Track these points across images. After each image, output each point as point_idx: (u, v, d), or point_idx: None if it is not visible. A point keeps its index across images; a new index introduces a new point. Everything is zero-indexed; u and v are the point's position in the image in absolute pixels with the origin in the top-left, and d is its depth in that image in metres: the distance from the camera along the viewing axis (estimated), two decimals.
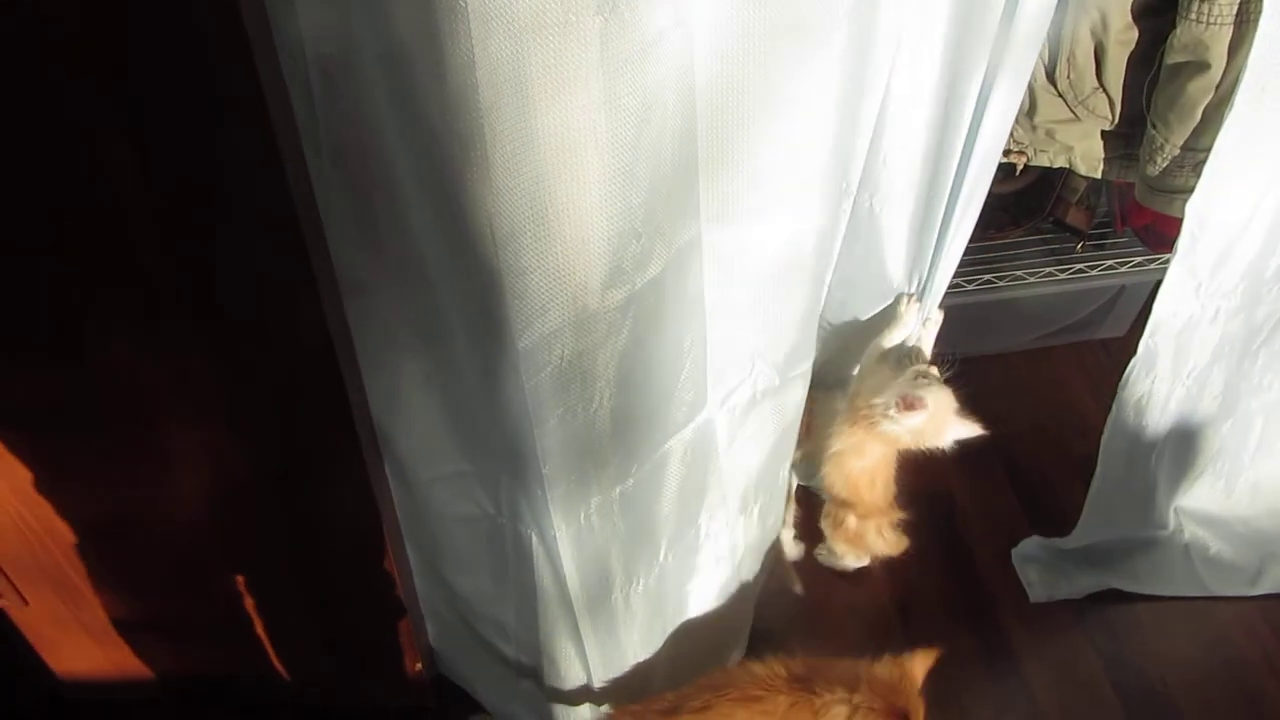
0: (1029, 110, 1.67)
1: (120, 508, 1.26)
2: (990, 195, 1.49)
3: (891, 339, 1.58)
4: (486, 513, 1.25)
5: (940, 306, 1.61)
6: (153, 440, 1.16)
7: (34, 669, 1.52)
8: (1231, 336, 1.54)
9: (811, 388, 1.41)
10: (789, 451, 1.46)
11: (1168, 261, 1.45)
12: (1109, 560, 1.83)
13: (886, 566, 1.81)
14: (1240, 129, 1.29)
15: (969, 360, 2.22)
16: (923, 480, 1.98)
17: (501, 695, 1.59)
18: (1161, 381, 1.57)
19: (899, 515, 1.69)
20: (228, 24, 0.79)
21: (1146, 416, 1.62)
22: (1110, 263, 2.08)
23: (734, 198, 1.03)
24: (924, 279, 1.54)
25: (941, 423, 1.51)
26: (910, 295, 1.56)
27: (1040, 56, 1.60)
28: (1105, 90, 1.60)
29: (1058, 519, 1.83)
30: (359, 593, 1.42)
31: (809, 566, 1.81)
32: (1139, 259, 2.08)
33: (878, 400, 1.50)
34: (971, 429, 1.52)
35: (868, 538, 1.71)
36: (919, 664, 1.29)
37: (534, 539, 1.20)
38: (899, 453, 1.61)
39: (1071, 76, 1.60)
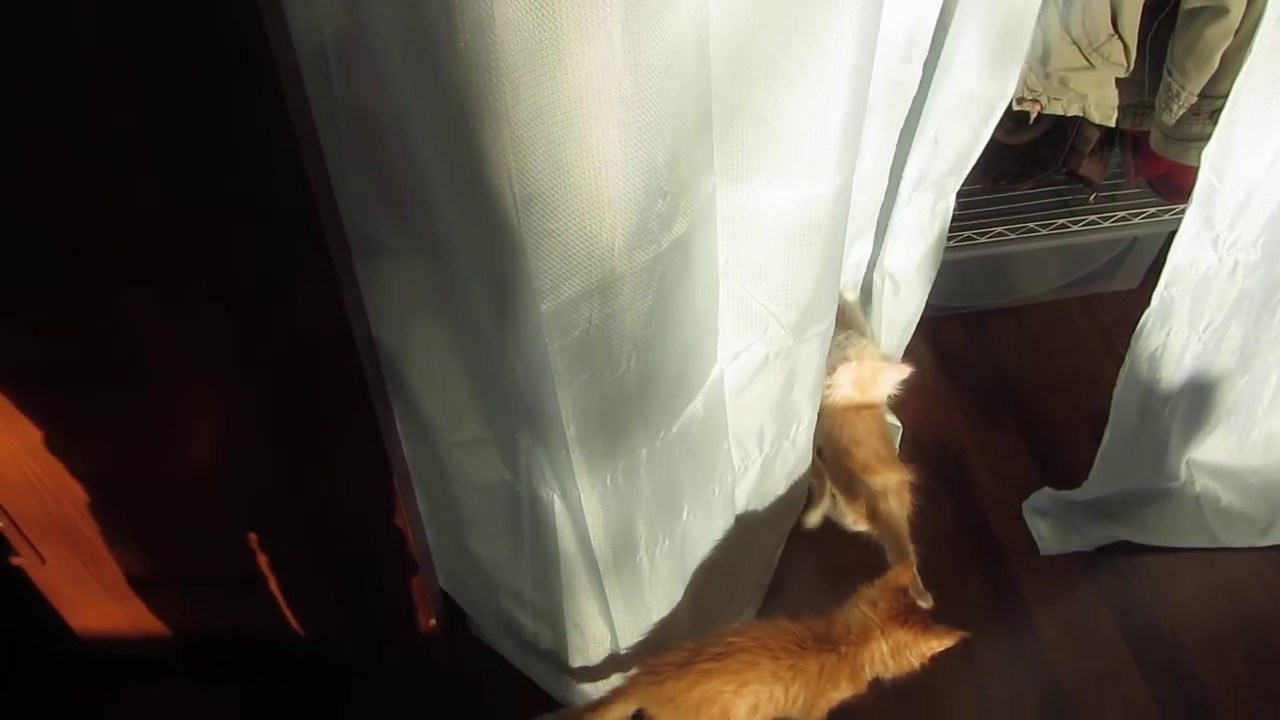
0: (1042, 58, 1.64)
1: (133, 465, 1.26)
2: (1002, 146, 1.49)
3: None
4: (504, 479, 1.25)
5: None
6: (164, 398, 1.16)
7: (53, 626, 1.54)
8: (1250, 292, 1.52)
9: None
10: (805, 410, 1.46)
11: (1181, 212, 1.43)
12: (1120, 512, 1.83)
13: None
14: (1259, 74, 1.26)
15: (981, 313, 2.23)
16: (934, 434, 1.99)
17: (524, 661, 1.60)
18: (1177, 334, 1.56)
19: (904, 474, 1.68)
20: None
21: (1161, 369, 1.61)
22: (1123, 214, 2.07)
23: (749, 153, 1.01)
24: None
25: (873, 372, 1.59)
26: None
27: (1054, 3, 1.58)
28: (1120, 37, 1.57)
29: (1068, 472, 1.83)
30: (371, 549, 1.43)
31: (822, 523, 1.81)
32: (1152, 209, 2.06)
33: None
34: (902, 370, 1.62)
35: (880, 505, 1.71)
36: (902, 574, 1.39)
37: (556, 500, 1.20)
38: (875, 410, 1.64)
39: (1086, 23, 1.57)
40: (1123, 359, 1.62)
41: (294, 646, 1.60)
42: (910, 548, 1.52)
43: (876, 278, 1.72)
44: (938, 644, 1.35)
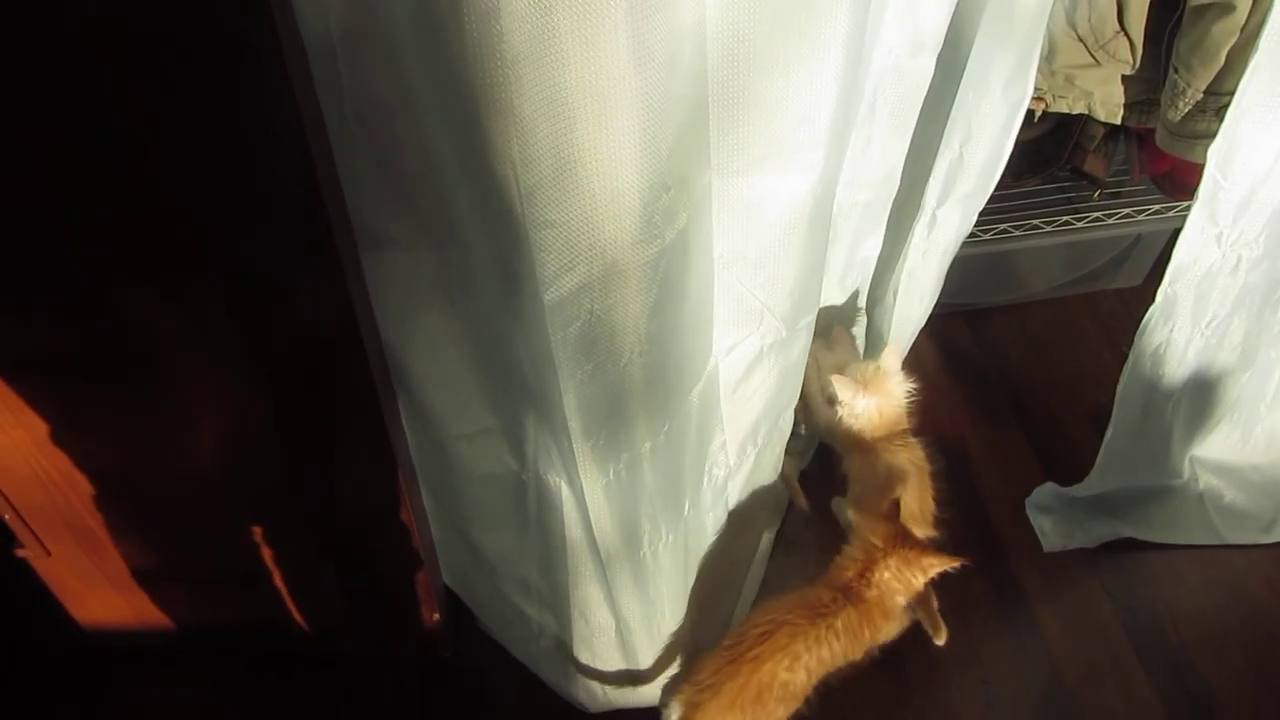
0: (1048, 55, 1.65)
1: (138, 459, 1.26)
2: None
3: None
4: (510, 469, 1.25)
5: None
6: (170, 390, 1.16)
7: (57, 618, 1.54)
8: (1253, 287, 1.52)
9: None
10: (792, 400, 1.47)
11: (1185, 210, 1.44)
12: (1123, 509, 1.84)
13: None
14: (1265, 72, 1.26)
15: (984, 310, 2.23)
16: (936, 430, 1.99)
17: (527, 654, 1.60)
18: (1180, 330, 1.56)
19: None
20: None
21: (1164, 365, 1.61)
22: (1126, 211, 2.06)
23: (744, 145, 1.02)
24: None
25: (880, 383, 1.59)
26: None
27: (1061, 0, 1.58)
28: (1127, 34, 1.57)
29: (1072, 469, 1.83)
30: (376, 544, 1.43)
31: (823, 519, 1.81)
32: (1156, 207, 2.06)
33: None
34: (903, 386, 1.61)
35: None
36: (891, 508, 1.48)
37: (563, 487, 1.20)
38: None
39: (1092, 20, 1.57)
40: (1126, 356, 1.62)
41: (297, 641, 1.60)
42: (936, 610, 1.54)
43: (893, 282, 1.74)
44: (937, 563, 1.42)
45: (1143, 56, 1.61)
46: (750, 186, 1.06)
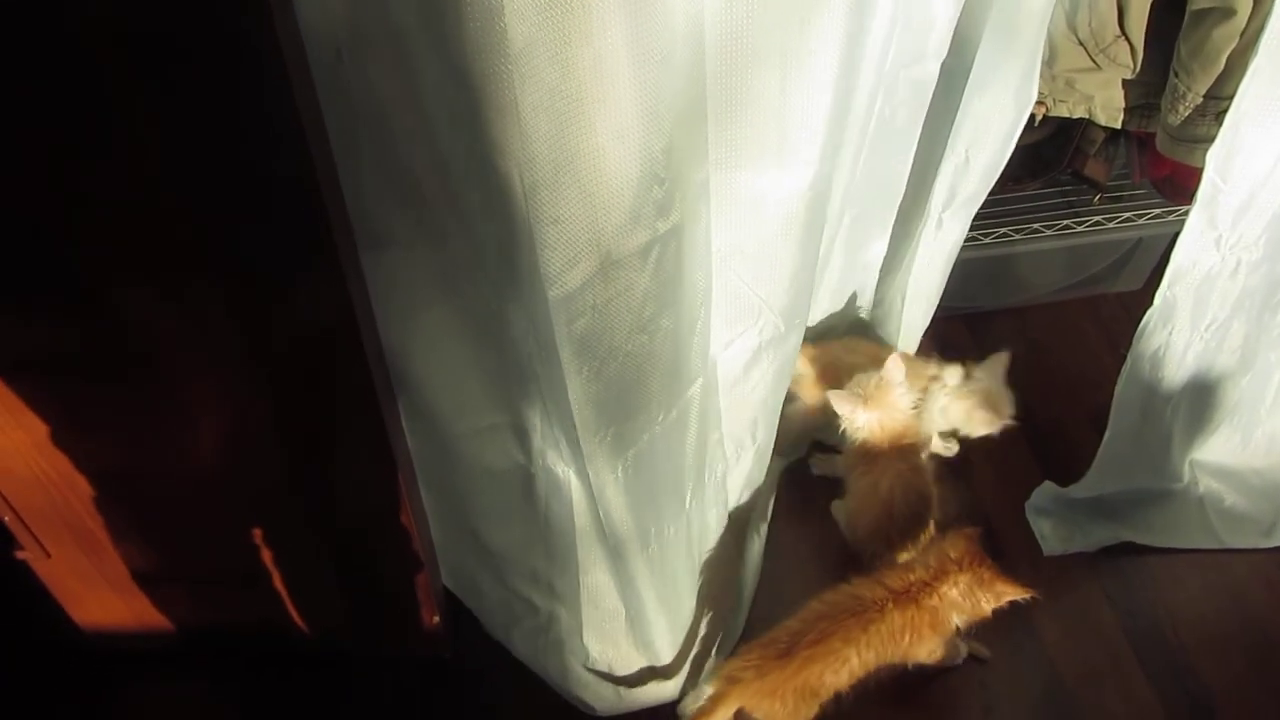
0: (1049, 59, 1.65)
1: (138, 460, 1.26)
2: None
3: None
4: (518, 463, 1.26)
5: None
6: (170, 390, 1.16)
7: (56, 620, 1.54)
8: (1253, 290, 1.52)
9: None
10: (783, 392, 1.48)
11: (1185, 214, 1.44)
12: (1123, 513, 1.83)
13: None
14: (1265, 76, 1.26)
15: (985, 314, 2.23)
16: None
17: (533, 650, 1.60)
18: (1179, 333, 1.56)
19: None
20: None
21: (1163, 369, 1.61)
22: (1127, 215, 2.06)
23: (741, 142, 1.03)
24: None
25: (882, 395, 1.60)
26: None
27: (1060, 3, 1.58)
28: (1127, 38, 1.57)
29: (1072, 473, 1.82)
30: (376, 546, 1.43)
31: (823, 521, 1.81)
32: (1156, 211, 2.06)
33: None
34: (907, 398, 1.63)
35: None
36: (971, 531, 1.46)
37: (571, 477, 1.21)
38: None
39: (1093, 24, 1.57)
40: (1125, 360, 1.62)
41: (297, 642, 1.60)
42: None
43: (900, 287, 1.74)
44: (1010, 591, 1.40)
45: (1143, 60, 1.61)
46: (748, 182, 1.07)
